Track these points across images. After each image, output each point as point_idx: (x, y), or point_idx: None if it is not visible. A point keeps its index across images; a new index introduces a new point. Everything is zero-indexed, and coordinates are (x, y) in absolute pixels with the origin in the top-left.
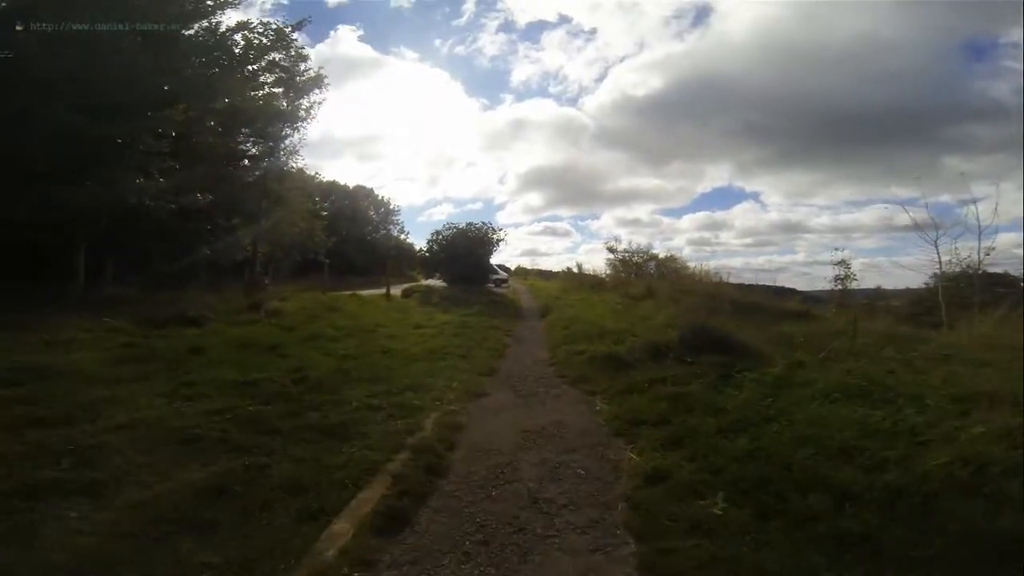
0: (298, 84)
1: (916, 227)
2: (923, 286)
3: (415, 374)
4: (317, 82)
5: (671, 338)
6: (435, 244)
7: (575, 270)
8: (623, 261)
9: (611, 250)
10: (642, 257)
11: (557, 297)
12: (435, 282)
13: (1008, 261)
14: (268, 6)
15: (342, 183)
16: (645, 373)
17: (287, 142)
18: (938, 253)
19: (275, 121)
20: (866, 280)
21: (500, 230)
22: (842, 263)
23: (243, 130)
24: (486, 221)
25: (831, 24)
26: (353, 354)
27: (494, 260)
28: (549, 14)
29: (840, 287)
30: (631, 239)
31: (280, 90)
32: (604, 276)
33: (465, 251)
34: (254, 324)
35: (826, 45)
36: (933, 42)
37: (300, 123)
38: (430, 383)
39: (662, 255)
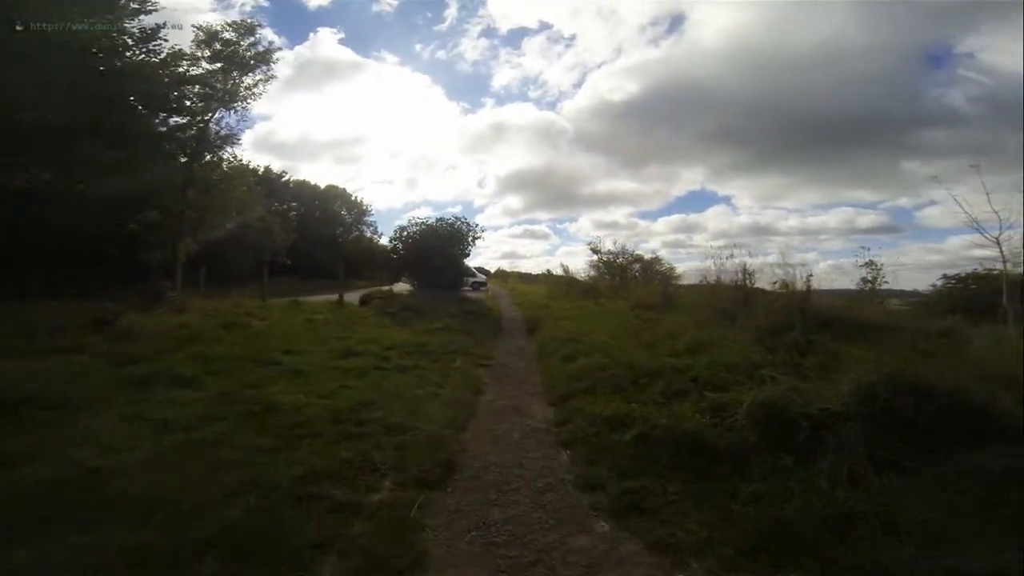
0: (241, 59)
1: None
2: (931, 287)
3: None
4: (264, 58)
5: (823, 402)
6: (400, 243)
7: (561, 272)
8: (607, 263)
9: (594, 251)
10: (627, 259)
11: (545, 305)
12: (404, 287)
13: (964, 263)
14: (248, 8)
15: (313, 183)
16: (800, 502)
17: (222, 124)
18: (1001, 250)
19: (206, 100)
20: (837, 283)
21: (476, 226)
22: (870, 264)
23: (171, 109)
24: (460, 216)
25: (800, 32)
26: (119, 450)
27: (472, 262)
28: (530, 21)
29: (868, 288)
30: (615, 240)
31: (217, 66)
32: (588, 279)
33: (435, 250)
34: (71, 353)
35: (795, 53)
36: (895, 50)
37: (238, 104)
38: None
39: (647, 256)
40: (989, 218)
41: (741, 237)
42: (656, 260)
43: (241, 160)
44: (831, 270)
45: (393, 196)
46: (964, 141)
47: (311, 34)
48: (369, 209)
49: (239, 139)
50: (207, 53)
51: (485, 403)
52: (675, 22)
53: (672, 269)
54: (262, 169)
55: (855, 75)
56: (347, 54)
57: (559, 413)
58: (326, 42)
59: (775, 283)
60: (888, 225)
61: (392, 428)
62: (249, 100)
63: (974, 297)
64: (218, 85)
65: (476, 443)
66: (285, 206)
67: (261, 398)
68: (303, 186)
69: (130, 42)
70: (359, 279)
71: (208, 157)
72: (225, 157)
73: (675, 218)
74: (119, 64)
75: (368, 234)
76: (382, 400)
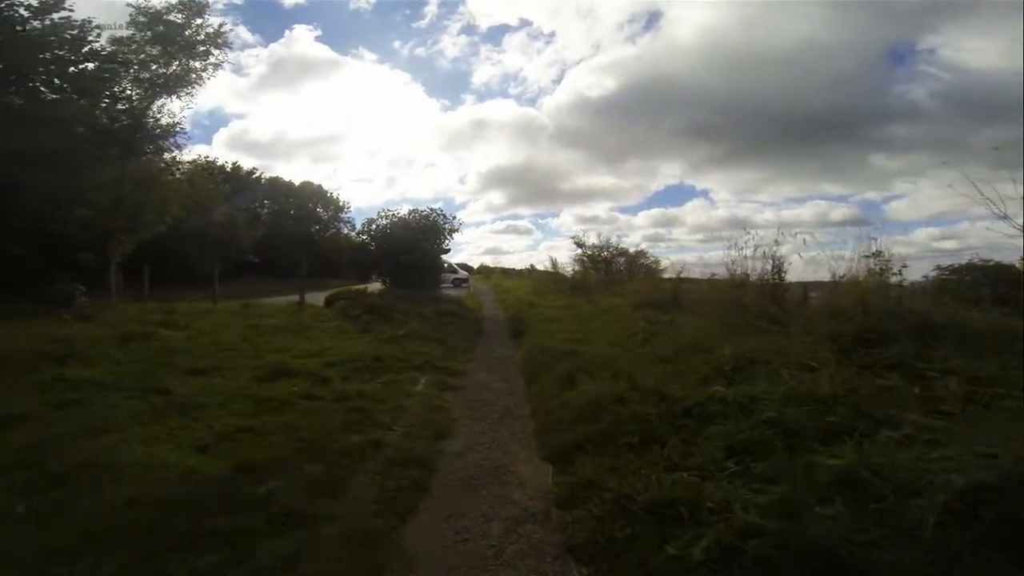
0: (185, 41)
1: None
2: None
3: None
4: (213, 40)
5: None
6: (368, 236)
7: (549, 267)
8: (591, 257)
9: (579, 244)
10: (611, 252)
11: (531, 303)
12: (376, 286)
13: (928, 255)
14: (220, 6)
15: (287, 180)
16: None
17: (164, 111)
18: None
19: (145, 86)
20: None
21: (454, 219)
22: (878, 254)
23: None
24: (435, 208)
25: (772, 30)
26: None
27: (455, 259)
28: (510, 18)
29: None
30: (599, 233)
31: (156, 50)
32: (574, 273)
33: (409, 244)
34: None
35: (768, 50)
36: (861, 48)
37: (183, 90)
38: None
39: (632, 250)
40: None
41: (720, 230)
42: (641, 253)
43: (182, 152)
44: (808, 263)
45: (372, 194)
46: (927, 136)
47: (287, 31)
48: (347, 207)
49: (183, 128)
50: (147, 35)
51: (449, 458)
52: (652, 19)
53: (658, 262)
54: (230, 166)
55: (824, 72)
56: (324, 51)
57: (561, 481)
58: (302, 39)
59: (841, 276)
60: (858, 218)
61: (285, 520)
62: (195, 86)
63: (969, 287)
64: (160, 69)
65: (425, 548)
66: (256, 204)
67: (66, 461)
68: (276, 183)
69: (25, 13)
70: (336, 278)
71: (150, 148)
72: (166, 147)
73: (655, 212)
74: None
75: (345, 232)
76: (291, 458)
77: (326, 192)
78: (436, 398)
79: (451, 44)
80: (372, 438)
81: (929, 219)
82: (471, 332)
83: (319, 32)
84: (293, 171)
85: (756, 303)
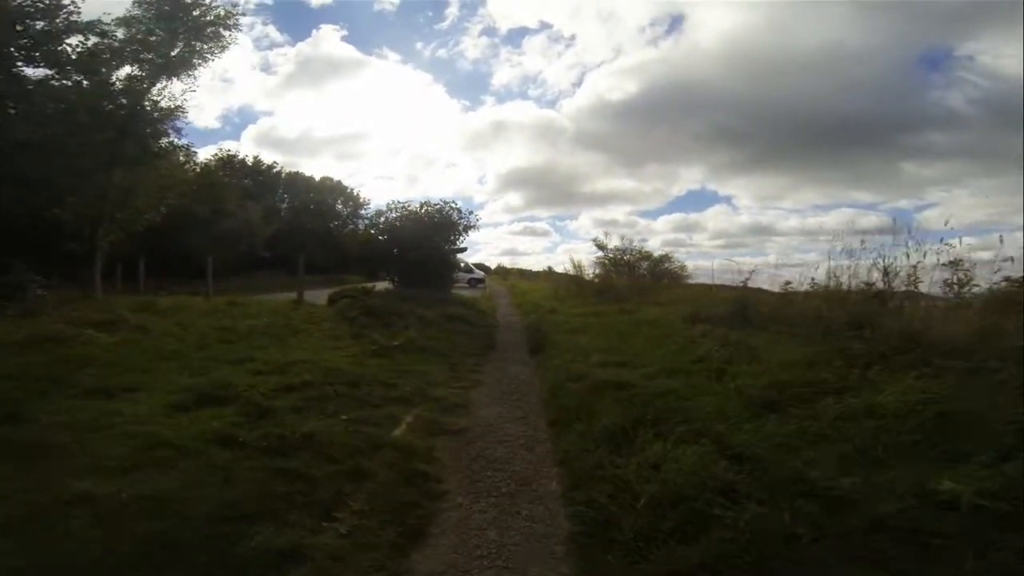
0: (193, 21)
1: None
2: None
3: None
4: (222, 22)
5: None
6: (376, 230)
7: (568, 269)
8: (613, 260)
9: (600, 247)
10: (634, 255)
11: (552, 309)
12: (384, 284)
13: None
14: (252, 6)
15: (308, 174)
16: None
17: (165, 93)
18: None
19: (147, 67)
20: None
21: (471, 214)
22: (955, 264)
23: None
24: (449, 200)
25: (799, 34)
26: None
27: (472, 259)
28: (530, 20)
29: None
30: (623, 236)
31: (160, 28)
32: (594, 277)
33: (421, 240)
34: None
35: (794, 54)
36: (893, 52)
37: (185, 71)
38: None
39: (655, 253)
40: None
41: (742, 237)
42: (666, 257)
43: (182, 137)
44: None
45: (394, 192)
46: (963, 144)
47: (313, 31)
48: (366, 203)
49: (184, 111)
50: (152, 13)
51: None
52: (674, 23)
53: (683, 267)
54: (251, 160)
55: (853, 77)
56: (349, 51)
57: None
58: (328, 39)
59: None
60: (889, 226)
61: None
62: (199, 68)
63: None
64: (162, 49)
65: None
66: (275, 198)
67: None
68: (296, 178)
69: None
70: (355, 274)
71: (147, 132)
72: (163, 131)
73: (675, 217)
74: None
75: (363, 228)
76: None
77: (346, 188)
78: (420, 451)
79: (472, 46)
80: (280, 543)
81: (965, 228)
82: (481, 344)
83: (345, 32)
84: (318, 168)
85: (874, 320)
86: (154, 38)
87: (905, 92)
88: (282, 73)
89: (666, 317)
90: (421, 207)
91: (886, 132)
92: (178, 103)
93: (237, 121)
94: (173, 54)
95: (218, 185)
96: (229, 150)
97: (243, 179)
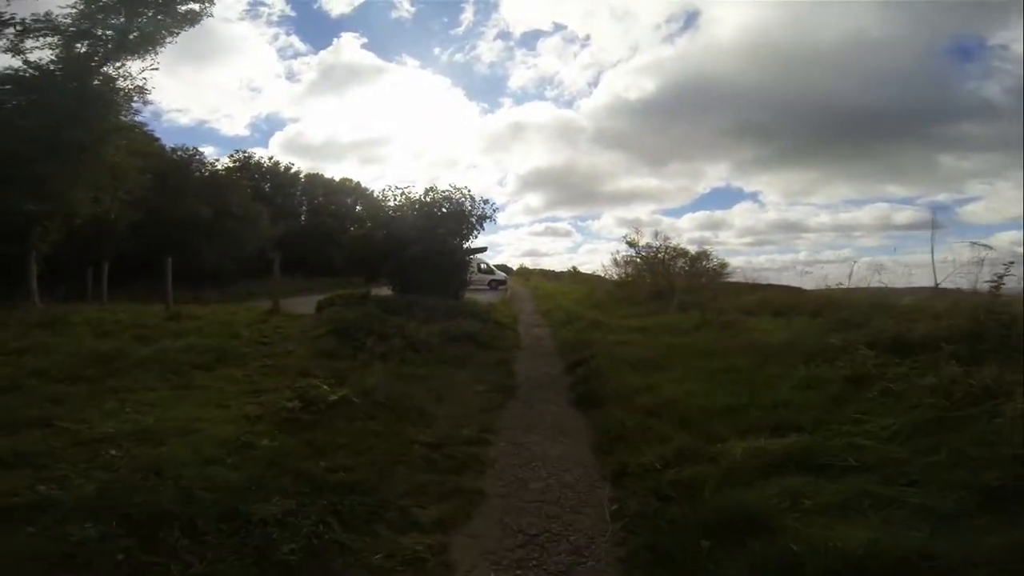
0: None
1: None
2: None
3: None
4: None
5: None
6: (371, 224)
7: (598, 270)
8: (645, 258)
9: (631, 244)
10: (669, 253)
11: (594, 322)
12: (384, 289)
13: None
14: (275, 19)
15: (327, 176)
16: None
17: (122, 72)
18: None
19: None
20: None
21: (487, 202)
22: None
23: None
24: (460, 187)
25: (819, 25)
26: None
27: (494, 260)
28: (544, 23)
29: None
30: (656, 231)
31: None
32: (625, 276)
33: (423, 233)
34: None
35: (815, 45)
36: (921, 42)
37: (146, 49)
38: None
39: (692, 250)
40: None
41: (770, 234)
42: (703, 254)
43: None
44: (867, 268)
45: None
46: (1003, 134)
47: (335, 39)
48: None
49: (146, 91)
50: None
51: None
52: (690, 19)
53: (724, 265)
54: (267, 162)
55: (880, 68)
56: (370, 58)
57: None
58: (349, 47)
59: None
60: (927, 221)
61: None
62: (163, 45)
63: None
64: (118, 22)
65: None
66: (295, 200)
67: None
68: (315, 179)
69: None
70: (359, 276)
71: (96, 115)
72: (117, 112)
73: (700, 215)
74: None
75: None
76: None
77: (365, 189)
78: None
79: (487, 49)
80: None
81: (1011, 222)
82: (494, 385)
83: (365, 40)
84: (342, 172)
85: None
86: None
87: (936, 83)
88: (306, 81)
89: (801, 339)
90: (425, 193)
91: (919, 123)
92: (137, 82)
93: (265, 128)
94: (133, 32)
95: (220, 185)
96: (245, 152)
97: (260, 182)
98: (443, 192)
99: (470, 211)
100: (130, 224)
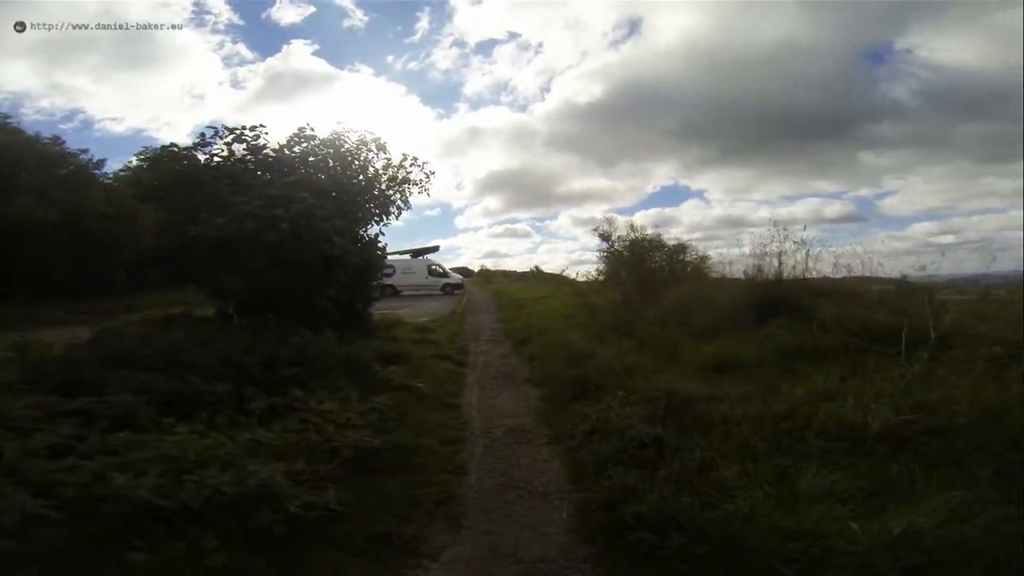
0: None
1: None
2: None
3: None
4: None
5: None
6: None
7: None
8: (619, 252)
9: (604, 237)
10: (645, 247)
11: (628, 369)
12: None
13: (922, 250)
14: (221, 27)
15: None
16: None
17: None
18: None
19: None
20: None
21: (413, 158)
22: None
23: None
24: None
25: (751, 32)
26: None
27: (453, 264)
28: (499, 32)
29: None
30: (631, 223)
31: None
32: (597, 275)
33: (273, 206)
34: None
35: (748, 51)
36: (841, 47)
37: None
38: None
39: (670, 243)
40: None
41: (716, 229)
42: (682, 247)
43: None
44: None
45: None
46: (912, 133)
47: (284, 46)
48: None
49: None
50: None
51: None
52: (633, 26)
53: (706, 259)
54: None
55: (805, 72)
56: (321, 65)
57: None
58: (299, 54)
59: None
60: (853, 214)
61: None
62: None
63: None
64: None
65: None
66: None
67: None
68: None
69: None
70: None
71: None
72: None
73: (651, 212)
74: None
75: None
76: None
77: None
78: None
79: (443, 57)
80: None
81: (923, 214)
82: None
83: (316, 47)
84: None
85: None
86: None
87: (854, 85)
88: (251, 88)
89: None
90: (289, 140)
91: (842, 124)
92: None
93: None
94: None
95: (77, 181)
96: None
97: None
98: (326, 138)
99: (378, 172)
100: None
